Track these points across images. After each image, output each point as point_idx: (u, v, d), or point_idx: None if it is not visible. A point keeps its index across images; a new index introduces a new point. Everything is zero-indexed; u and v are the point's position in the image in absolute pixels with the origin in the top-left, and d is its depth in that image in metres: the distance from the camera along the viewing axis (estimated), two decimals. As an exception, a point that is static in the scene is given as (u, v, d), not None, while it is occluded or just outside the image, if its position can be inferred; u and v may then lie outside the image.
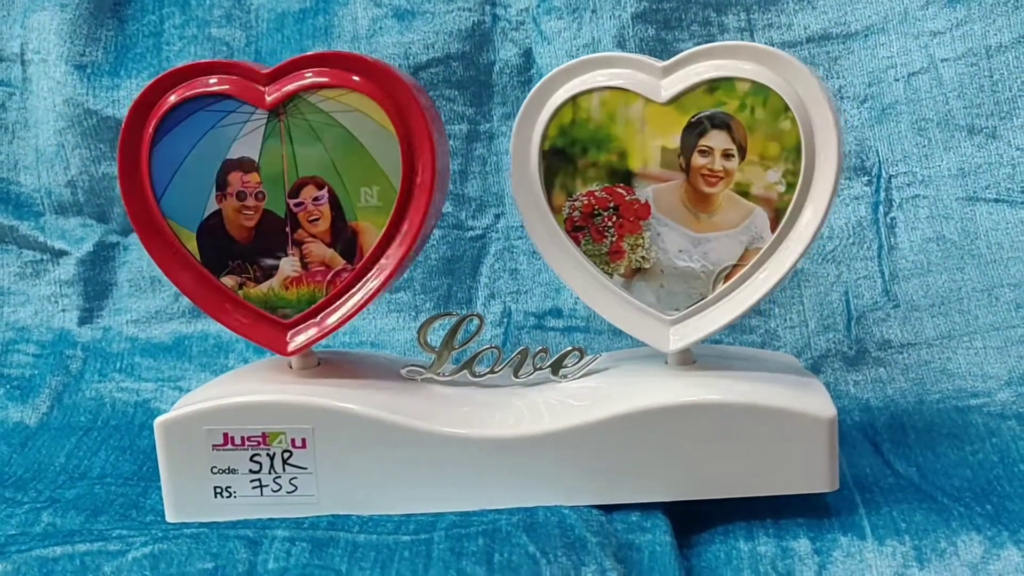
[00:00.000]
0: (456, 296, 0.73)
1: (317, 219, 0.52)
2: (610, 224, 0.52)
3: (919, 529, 0.49)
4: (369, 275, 0.52)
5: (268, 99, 0.51)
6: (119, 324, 0.75)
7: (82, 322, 0.75)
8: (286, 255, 0.53)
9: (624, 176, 0.51)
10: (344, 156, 0.51)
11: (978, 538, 0.47)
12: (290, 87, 0.51)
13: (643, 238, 0.52)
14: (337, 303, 0.53)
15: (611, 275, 0.52)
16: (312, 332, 0.53)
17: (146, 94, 0.52)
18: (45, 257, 0.76)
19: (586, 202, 0.52)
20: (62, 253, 0.76)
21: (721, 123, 0.50)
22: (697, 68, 0.50)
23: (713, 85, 0.50)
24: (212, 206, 0.53)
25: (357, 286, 0.53)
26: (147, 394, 0.71)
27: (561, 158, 0.52)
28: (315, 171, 0.52)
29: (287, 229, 0.53)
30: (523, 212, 0.53)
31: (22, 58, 0.74)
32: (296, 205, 0.52)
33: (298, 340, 0.53)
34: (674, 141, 0.50)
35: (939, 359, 0.67)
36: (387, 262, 0.52)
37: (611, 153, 0.51)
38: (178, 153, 0.52)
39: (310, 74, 0.51)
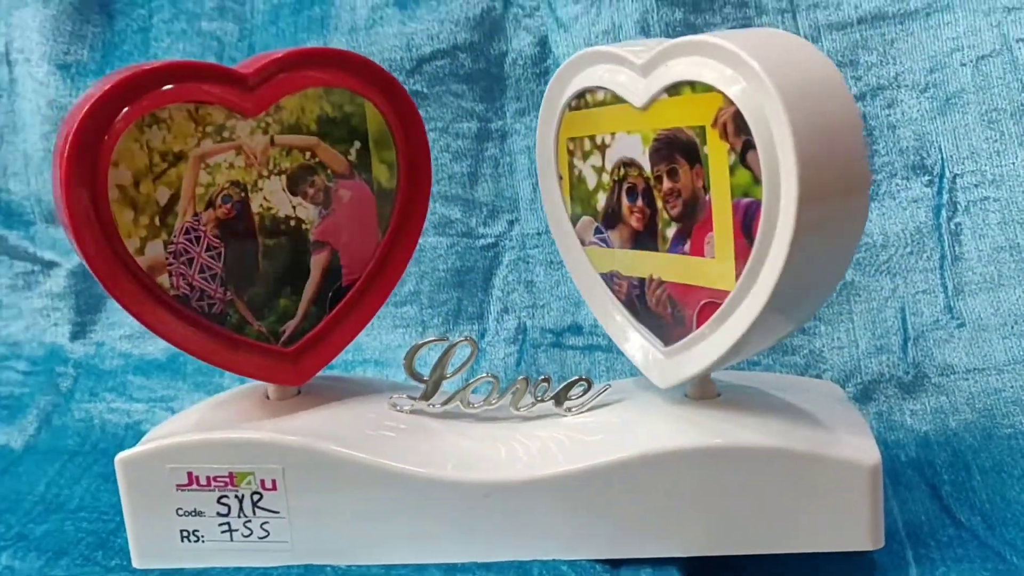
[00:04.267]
0: (467, 311, 0.71)
1: None
2: None
3: (982, 597, 0.45)
4: None
5: None
6: (112, 339, 0.74)
7: (74, 337, 0.74)
8: None
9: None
10: None
11: (1054, 609, 0.43)
12: None
13: None
14: None
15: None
16: None
17: None
18: (36, 268, 0.75)
19: None
20: (52, 264, 0.75)
21: None
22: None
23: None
24: None
25: None
26: (138, 415, 0.70)
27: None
28: None
29: None
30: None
31: (7, 58, 0.74)
32: None
33: None
34: None
35: (1011, 387, 0.62)
36: None
37: None
38: None
39: None
